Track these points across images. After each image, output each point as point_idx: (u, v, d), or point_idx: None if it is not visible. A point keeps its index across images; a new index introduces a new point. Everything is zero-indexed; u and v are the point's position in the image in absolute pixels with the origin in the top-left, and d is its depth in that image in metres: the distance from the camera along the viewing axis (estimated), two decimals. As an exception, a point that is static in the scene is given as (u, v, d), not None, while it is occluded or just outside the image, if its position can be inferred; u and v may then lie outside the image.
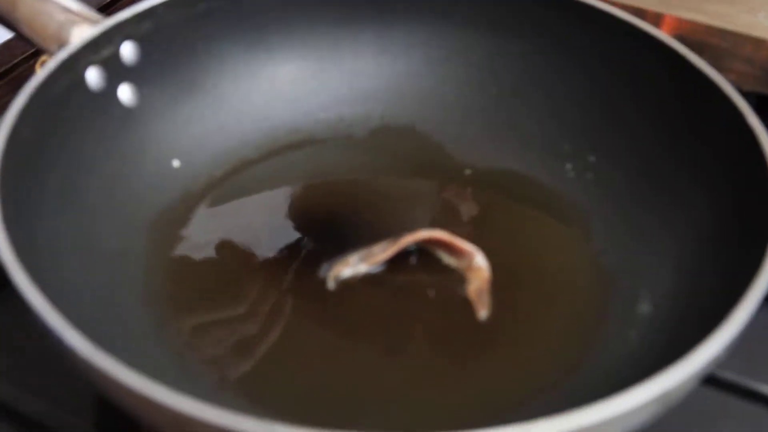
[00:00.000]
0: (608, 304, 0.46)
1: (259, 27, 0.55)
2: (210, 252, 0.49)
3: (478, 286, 0.47)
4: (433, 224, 0.49)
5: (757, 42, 0.58)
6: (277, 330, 0.45)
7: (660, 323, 0.43)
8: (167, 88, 0.52)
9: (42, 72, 0.44)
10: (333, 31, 0.56)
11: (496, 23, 0.55)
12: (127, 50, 0.50)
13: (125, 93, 0.50)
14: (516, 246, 0.50)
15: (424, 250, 0.49)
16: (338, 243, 0.49)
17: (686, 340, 0.34)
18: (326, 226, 0.51)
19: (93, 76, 0.48)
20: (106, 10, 0.71)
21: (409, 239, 0.48)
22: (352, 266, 0.47)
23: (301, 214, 0.52)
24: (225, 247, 0.50)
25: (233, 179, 0.53)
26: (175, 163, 0.52)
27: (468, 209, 0.53)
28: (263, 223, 0.51)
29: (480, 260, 0.47)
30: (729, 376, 0.45)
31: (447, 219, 0.52)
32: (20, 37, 0.51)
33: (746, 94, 0.47)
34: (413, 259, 0.48)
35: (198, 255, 0.49)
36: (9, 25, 0.50)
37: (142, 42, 0.50)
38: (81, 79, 0.47)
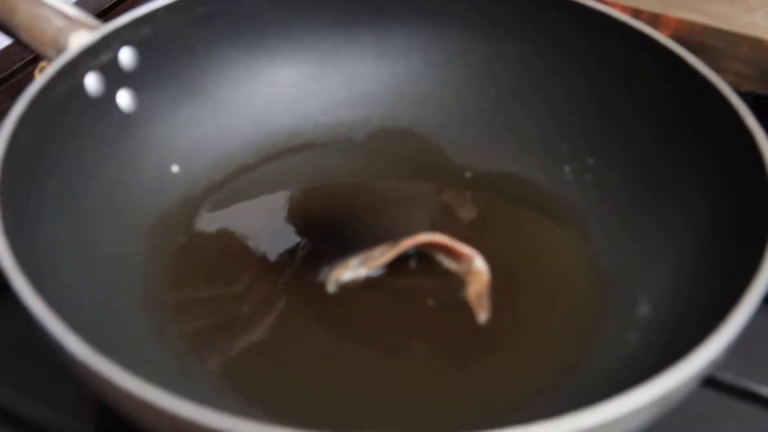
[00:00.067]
0: (607, 305, 0.46)
1: (259, 30, 0.55)
2: (209, 256, 0.49)
3: (477, 289, 0.47)
4: (433, 227, 0.49)
5: (754, 42, 0.58)
6: (277, 333, 0.46)
7: (659, 324, 0.43)
8: (166, 92, 0.52)
9: (41, 78, 0.45)
10: (332, 34, 0.56)
11: (494, 26, 0.55)
12: (126, 55, 0.50)
13: (124, 98, 0.50)
14: (515, 248, 0.50)
15: (423, 253, 0.49)
16: (338, 246, 0.49)
17: (685, 342, 0.35)
18: (326, 230, 0.51)
19: (92, 81, 0.48)
20: (104, 15, 0.71)
21: (408, 243, 0.48)
22: (352, 270, 0.47)
23: (301, 217, 0.52)
24: (224, 251, 0.50)
25: (233, 183, 0.53)
26: (175, 168, 0.52)
27: (467, 212, 0.53)
28: (263, 227, 0.51)
29: (479, 263, 0.47)
30: (728, 377, 0.45)
31: (446, 222, 0.52)
32: (19, 44, 0.51)
33: (743, 95, 0.47)
34: (413, 263, 0.49)
35: (197, 259, 0.49)
36: (7, 31, 0.50)
37: (141, 47, 0.50)
38: (80, 85, 0.47)
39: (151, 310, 0.45)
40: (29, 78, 0.64)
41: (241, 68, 0.55)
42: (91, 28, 0.48)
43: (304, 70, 0.56)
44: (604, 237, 0.50)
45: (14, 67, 0.66)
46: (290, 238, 0.51)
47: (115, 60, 0.49)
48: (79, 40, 0.47)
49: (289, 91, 0.56)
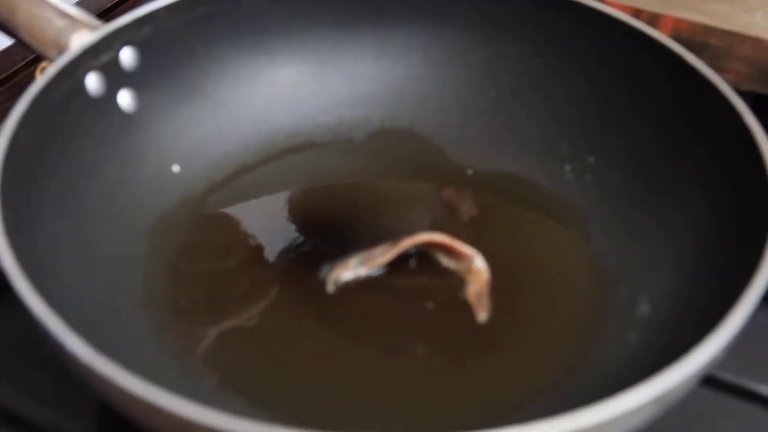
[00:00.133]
0: (607, 305, 0.47)
1: (259, 30, 0.55)
2: (210, 256, 0.49)
3: (477, 288, 0.47)
4: (433, 227, 0.49)
5: (754, 42, 0.58)
6: (277, 333, 0.46)
7: (659, 324, 0.43)
8: (167, 92, 0.52)
9: (42, 78, 0.45)
10: (333, 34, 0.56)
11: (494, 26, 0.55)
12: (127, 55, 0.50)
13: (125, 98, 0.50)
14: (515, 248, 0.50)
15: (423, 253, 0.49)
16: (338, 246, 0.49)
17: (685, 341, 0.35)
18: (326, 230, 0.51)
19: (93, 81, 0.48)
20: (105, 15, 0.71)
21: (408, 242, 0.48)
22: (352, 269, 0.47)
23: (302, 217, 0.52)
24: (225, 251, 0.50)
25: (233, 183, 0.53)
26: (175, 168, 0.52)
27: (467, 212, 0.53)
28: (263, 226, 0.52)
29: (479, 263, 0.48)
30: (727, 376, 0.45)
31: (446, 222, 0.52)
32: (20, 44, 0.51)
33: (743, 94, 0.47)
34: (413, 262, 0.49)
35: (198, 259, 0.49)
36: (8, 31, 0.50)
37: (142, 47, 0.50)
38: (81, 85, 0.47)
39: (151, 310, 0.45)
40: (30, 78, 0.64)
41: (241, 68, 0.55)
42: (92, 28, 0.48)
43: (305, 70, 0.56)
44: (605, 237, 0.50)
45: (15, 68, 0.67)
46: (290, 237, 0.51)
47: (116, 60, 0.49)
48: (80, 40, 0.48)
49: (289, 91, 0.56)
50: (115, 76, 0.49)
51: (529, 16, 0.54)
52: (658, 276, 0.46)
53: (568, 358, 0.44)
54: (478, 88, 0.56)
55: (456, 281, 0.48)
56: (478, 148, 0.55)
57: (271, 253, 0.50)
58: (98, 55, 0.48)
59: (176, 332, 0.45)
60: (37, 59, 0.66)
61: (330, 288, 0.47)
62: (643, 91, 0.51)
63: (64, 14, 0.49)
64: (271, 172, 0.54)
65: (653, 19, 0.60)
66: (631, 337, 0.44)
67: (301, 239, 0.50)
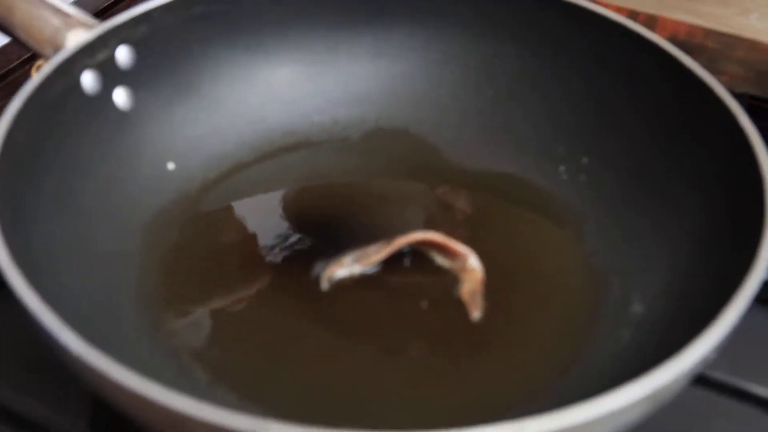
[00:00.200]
0: (601, 304, 0.47)
1: (255, 30, 0.55)
2: (204, 254, 0.49)
3: (471, 287, 0.47)
4: (428, 226, 0.49)
5: (749, 44, 0.58)
6: (271, 331, 0.46)
7: (652, 323, 0.44)
8: (163, 91, 0.52)
9: (37, 76, 0.45)
10: (329, 34, 0.56)
11: (491, 26, 0.56)
12: (123, 54, 0.50)
13: (120, 96, 0.50)
14: (509, 247, 0.51)
15: (418, 251, 0.49)
16: (333, 244, 0.49)
17: (677, 340, 0.35)
18: (321, 228, 0.51)
19: (88, 79, 0.48)
20: (102, 14, 0.71)
21: (403, 241, 0.48)
22: (347, 267, 0.48)
23: (296, 216, 0.52)
24: (219, 249, 0.50)
25: (228, 182, 0.53)
26: (170, 166, 0.52)
27: (462, 211, 0.53)
28: (258, 225, 0.52)
29: (473, 261, 0.48)
30: (720, 376, 0.45)
31: (441, 221, 0.52)
32: (16, 42, 0.51)
33: (739, 96, 0.47)
34: (407, 261, 0.49)
35: (192, 257, 0.49)
36: (5, 30, 0.50)
37: (138, 46, 0.50)
38: (76, 83, 0.47)
39: (145, 307, 0.46)
40: (26, 76, 0.64)
41: (237, 67, 0.55)
42: (89, 26, 0.48)
43: (300, 70, 0.56)
44: (599, 237, 0.50)
45: (11, 66, 0.67)
46: (285, 236, 0.51)
47: (111, 58, 0.49)
48: (77, 38, 0.48)
49: (285, 90, 0.56)
50: (111, 75, 0.49)
51: (526, 17, 0.55)
52: (651, 276, 0.46)
53: (561, 357, 0.44)
54: (474, 88, 0.56)
55: (450, 280, 0.48)
56: (474, 148, 0.56)
57: (265, 251, 0.50)
58: (94, 53, 0.48)
59: (170, 329, 0.45)
60: (32, 58, 0.66)
61: (324, 285, 0.47)
62: (638, 92, 0.51)
63: (60, 13, 0.49)
64: (267, 171, 0.54)
65: (650, 21, 0.60)
66: (624, 336, 0.44)
67: (295, 238, 0.50)
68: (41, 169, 0.44)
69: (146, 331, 0.44)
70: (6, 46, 0.68)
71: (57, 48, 0.48)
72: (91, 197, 0.47)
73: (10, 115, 0.42)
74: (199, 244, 0.50)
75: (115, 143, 0.50)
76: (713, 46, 0.59)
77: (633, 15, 0.60)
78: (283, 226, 0.51)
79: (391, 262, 0.48)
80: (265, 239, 0.50)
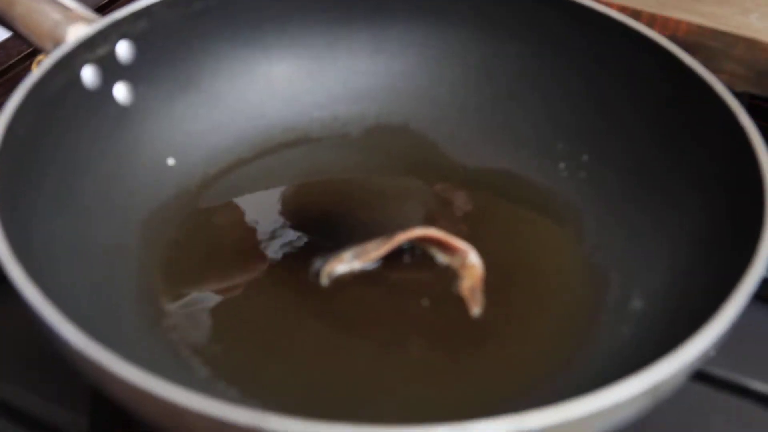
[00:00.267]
0: (600, 301, 0.47)
1: (255, 25, 0.55)
2: (204, 249, 0.49)
3: (471, 283, 0.47)
4: (427, 222, 0.50)
5: (749, 43, 0.58)
6: (271, 325, 0.46)
7: (651, 320, 0.44)
8: (163, 86, 0.52)
9: (37, 71, 0.45)
10: (329, 30, 0.56)
11: (491, 23, 0.56)
12: (123, 49, 0.50)
13: (121, 91, 0.50)
14: (509, 244, 0.51)
15: (417, 247, 0.49)
16: (333, 240, 0.49)
17: (676, 337, 0.35)
18: (321, 224, 0.51)
19: (88, 74, 0.48)
20: (102, 10, 0.71)
21: (402, 237, 0.48)
22: (346, 263, 0.48)
23: (296, 212, 0.52)
24: (219, 244, 0.50)
25: (228, 177, 0.53)
26: (170, 161, 0.52)
27: (461, 208, 0.53)
28: (258, 220, 0.52)
29: (473, 258, 0.48)
30: (719, 372, 0.45)
31: (441, 217, 0.52)
32: (16, 38, 0.51)
33: (739, 95, 0.47)
34: (407, 257, 0.49)
35: (192, 252, 0.49)
36: (5, 24, 0.50)
37: (138, 41, 0.50)
38: (76, 78, 0.47)
39: (145, 303, 0.46)
40: (26, 72, 0.64)
41: (237, 63, 0.55)
42: (89, 21, 0.48)
43: (300, 66, 0.56)
44: (599, 234, 0.50)
45: (11, 61, 0.67)
46: (285, 232, 0.51)
47: (112, 53, 0.49)
48: (77, 33, 0.48)
49: (284, 86, 0.56)
50: (111, 70, 0.49)
51: (527, 14, 0.55)
52: (651, 273, 0.46)
53: (560, 353, 0.44)
54: (474, 85, 0.56)
55: (450, 276, 0.48)
56: (473, 145, 0.56)
57: (265, 247, 0.50)
58: (94, 48, 0.48)
59: (170, 324, 0.45)
60: (33, 53, 0.66)
61: (324, 281, 0.47)
62: (639, 90, 0.51)
63: (60, 7, 0.49)
64: (266, 167, 0.54)
65: (651, 20, 0.60)
66: (623, 332, 0.44)
67: (295, 234, 0.50)
68: (41, 163, 0.44)
69: (146, 326, 0.44)
70: (6, 41, 0.67)
71: (57, 42, 0.48)
72: (90, 192, 0.47)
73: (10, 109, 0.42)
74: (199, 240, 0.50)
75: (115, 138, 0.50)
76: (713, 45, 0.59)
77: (634, 14, 0.60)
78: (283, 221, 0.51)
79: (391, 258, 0.48)
80: (264, 235, 0.50)
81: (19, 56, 0.67)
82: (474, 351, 0.45)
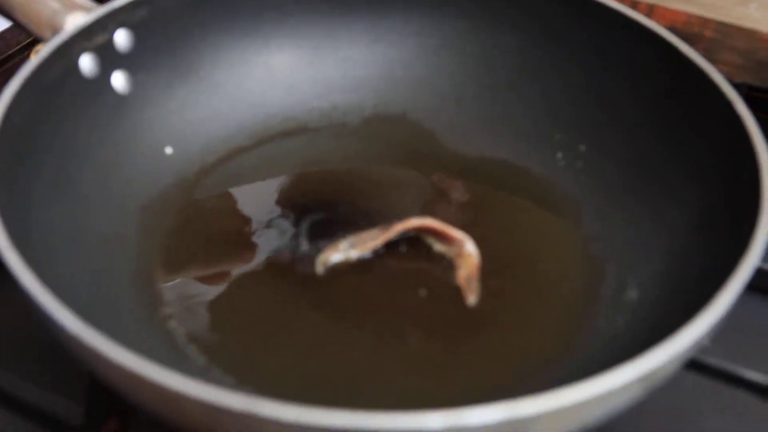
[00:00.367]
0: (596, 290, 0.47)
1: (255, 15, 0.55)
2: (202, 238, 0.50)
3: (467, 272, 0.47)
4: (425, 212, 0.50)
5: (748, 33, 0.58)
6: (267, 314, 0.46)
7: (647, 310, 0.44)
8: (161, 75, 0.52)
9: (35, 58, 0.45)
10: (328, 19, 0.56)
11: (490, 13, 0.56)
12: (121, 37, 0.50)
13: (119, 80, 0.50)
14: (506, 233, 0.51)
15: (414, 237, 0.49)
16: (330, 230, 0.49)
17: (671, 326, 0.35)
18: (319, 213, 0.51)
19: (87, 62, 0.48)
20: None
21: (400, 227, 0.48)
22: (343, 252, 0.48)
23: (294, 201, 0.52)
24: (216, 233, 0.50)
25: (226, 166, 0.53)
26: (168, 150, 0.52)
27: (459, 197, 0.53)
28: (255, 209, 0.52)
29: (470, 247, 0.48)
30: (714, 361, 0.46)
31: (438, 207, 0.53)
32: (15, 28, 0.51)
33: (737, 86, 0.47)
34: (404, 246, 0.49)
35: (190, 241, 0.49)
36: (3, 12, 0.50)
37: (137, 29, 0.50)
38: (75, 66, 0.47)
39: (143, 291, 0.46)
40: (25, 62, 0.64)
41: (236, 52, 0.55)
42: (87, 9, 0.48)
43: (300, 55, 0.56)
44: (596, 223, 0.50)
45: (10, 52, 0.67)
46: (283, 221, 0.51)
47: (110, 42, 0.49)
48: (75, 21, 0.48)
49: (283, 75, 0.56)
50: (110, 58, 0.49)
51: (525, 4, 0.55)
52: (648, 263, 0.46)
53: (556, 341, 0.45)
54: (472, 75, 0.56)
55: (446, 265, 0.48)
56: (471, 135, 0.56)
57: (262, 236, 0.50)
58: (92, 36, 0.48)
59: (167, 313, 0.45)
60: (31, 44, 0.66)
61: (319, 269, 0.47)
62: (637, 81, 0.51)
63: (59, -5, 0.49)
64: (265, 156, 0.54)
65: (649, 11, 0.60)
66: (619, 321, 0.44)
67: (293, 223, 0.51)
68: (39, 151, 0.44)
69: (143, 314, 0.44)
70: (5, 32, 0.67)
71: (55, 31, 0.48)
72: (88, 180, 0.47)
73: (8, 97, 0.42)
74: (197, 229, 0.50)
75: (112, 127, 0.50)
76: (712, 36, 0.59)
77: (633, 4, 0.60)
78: (281, 210, 0.51)
79: (388, 248, 0.48)
80: (262, 223, 0.50)
81: (18, 46, 0.67)
82: (470, 340, 0.45)
